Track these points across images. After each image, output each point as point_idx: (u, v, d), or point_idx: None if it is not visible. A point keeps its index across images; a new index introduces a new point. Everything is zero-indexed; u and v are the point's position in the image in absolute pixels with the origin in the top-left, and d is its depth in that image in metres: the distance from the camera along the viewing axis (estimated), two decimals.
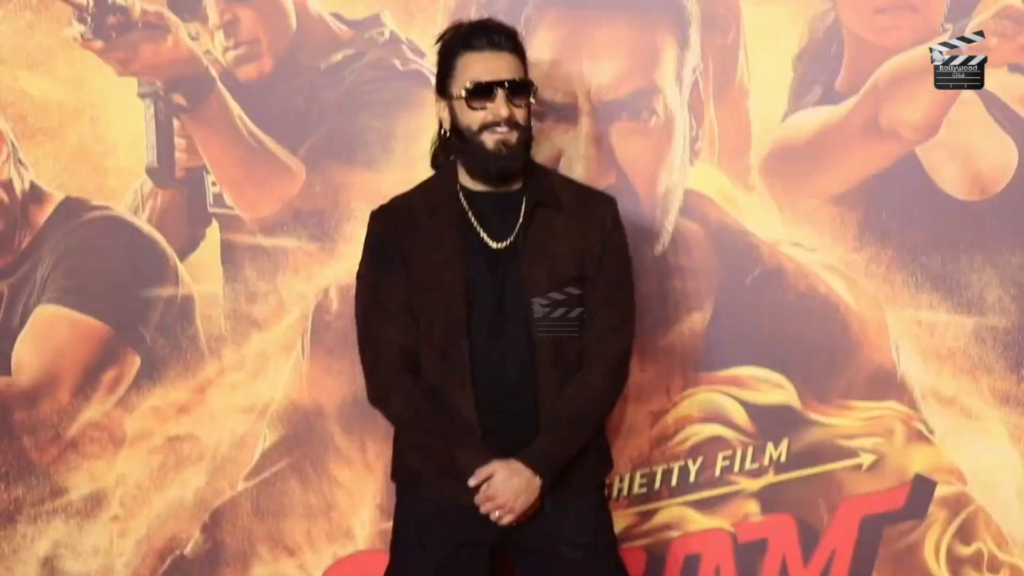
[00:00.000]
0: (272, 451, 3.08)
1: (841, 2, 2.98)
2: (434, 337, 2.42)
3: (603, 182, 2.89)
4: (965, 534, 3.05)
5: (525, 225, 2.44)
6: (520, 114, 2.41)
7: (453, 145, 2.50)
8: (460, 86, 2.42)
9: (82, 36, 3.01)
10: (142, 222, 3.08)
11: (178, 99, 3.04)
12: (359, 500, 3.09)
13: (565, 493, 2.46)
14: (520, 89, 2.42)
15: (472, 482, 2.39)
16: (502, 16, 2.80)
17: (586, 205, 2.52)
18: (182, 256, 3.09)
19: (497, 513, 2.41)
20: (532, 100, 2.45)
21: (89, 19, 3.00)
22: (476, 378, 2.42)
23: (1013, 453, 3.03)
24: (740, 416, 3.05)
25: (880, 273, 3.03)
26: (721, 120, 3.00)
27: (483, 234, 2.45)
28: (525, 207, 2.46)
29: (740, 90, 3.00)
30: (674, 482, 3.00)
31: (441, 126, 2.52)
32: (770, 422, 3.04)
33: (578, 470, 2.47)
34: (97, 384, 3.11)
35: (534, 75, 2.52)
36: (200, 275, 3.09)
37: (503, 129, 2.39)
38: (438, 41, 2.50)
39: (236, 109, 3.03)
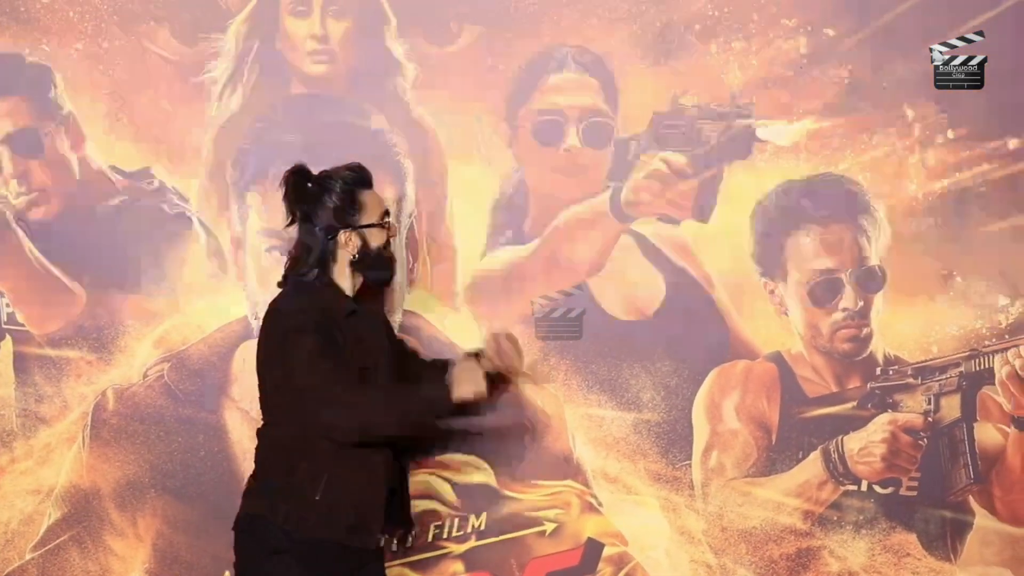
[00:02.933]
0: (56, 526, 3.32)
1: (526, 164, 3.34)
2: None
3: None
4: None
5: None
6: None
7: (365, 263, 2.70)
8: (374, 214, 2.70)
9: None
10: None
11: None
12: (130, 566, 3.33)
13: None
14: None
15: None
16: (256, 167, 3.24)
17: None
18: None
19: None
20: None
21: None
22: None
23: (663, 521, 3.34)
24: (449, 493, 3.30)
25: (560, 378, 3.34)
26: (433, 256, 3.34)
27: None
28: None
29: (448, 232, 3.34)
30: (394, 547, 3.11)
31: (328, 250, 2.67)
32: (473, 498, 3.32)
33: None
34: None
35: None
36: None
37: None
38: (329, 182, 2.65)
39: (27, 243, 3.31)
